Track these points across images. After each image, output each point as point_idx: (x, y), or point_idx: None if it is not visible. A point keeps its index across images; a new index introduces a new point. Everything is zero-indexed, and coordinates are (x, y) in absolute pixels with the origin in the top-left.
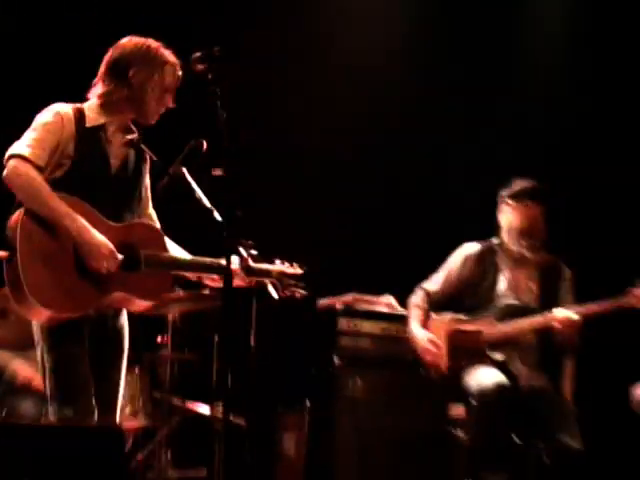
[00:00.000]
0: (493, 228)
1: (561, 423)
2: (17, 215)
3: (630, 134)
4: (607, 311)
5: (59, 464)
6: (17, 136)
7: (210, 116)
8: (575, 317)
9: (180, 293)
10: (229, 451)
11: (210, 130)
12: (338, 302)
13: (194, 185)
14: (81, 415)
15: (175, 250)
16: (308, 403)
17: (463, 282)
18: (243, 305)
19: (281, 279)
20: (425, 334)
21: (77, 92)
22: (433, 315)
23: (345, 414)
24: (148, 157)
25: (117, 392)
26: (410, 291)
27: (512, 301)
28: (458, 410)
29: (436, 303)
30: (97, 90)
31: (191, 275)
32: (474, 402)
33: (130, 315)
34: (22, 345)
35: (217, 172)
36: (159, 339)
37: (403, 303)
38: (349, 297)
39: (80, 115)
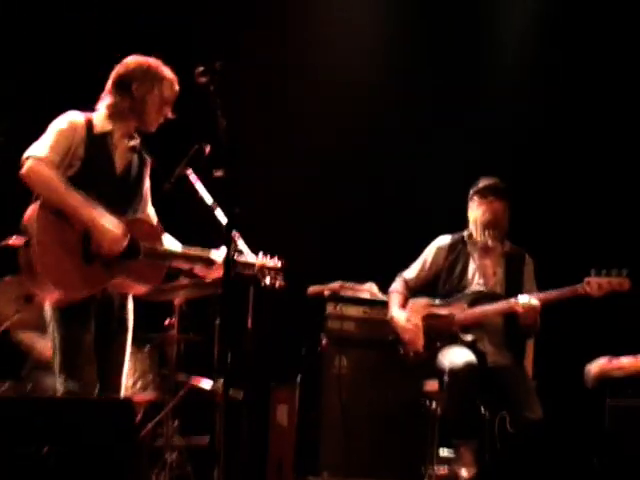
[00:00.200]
0: (463, 222)
1: (523, 396)
2: (33, 208)
3: (594, 133)
4: (565, 298)
5: (76, 433)
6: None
7: (212, 123)
8: (536, 303)
9: (186, 281)
10: (229, 421)
11: (212, 135)
12: (326, 289)
13: (198, 184)
14: (84, 388)
15: (170, 243)
16: (299, 379)
17: (437, 270)
18: (241, 292)
19: (263, 271)
20: (404, 315)
21: (85, 100)
22: (410, 300)
23: (331, 389)
24: (149, 161)
25: (121, 367)
26: (390, 279)
27: (480, 287)
28: (432, 385)
29: (413, 289)
30: (104, 102)
31: (183, 265)
32: (446, 378)
33: (141, 301)
34: (46, 326)
35: (218, 173)
36: (167, 322)
37: (384, 290)
38: (336, 284)
39: (90, 123)
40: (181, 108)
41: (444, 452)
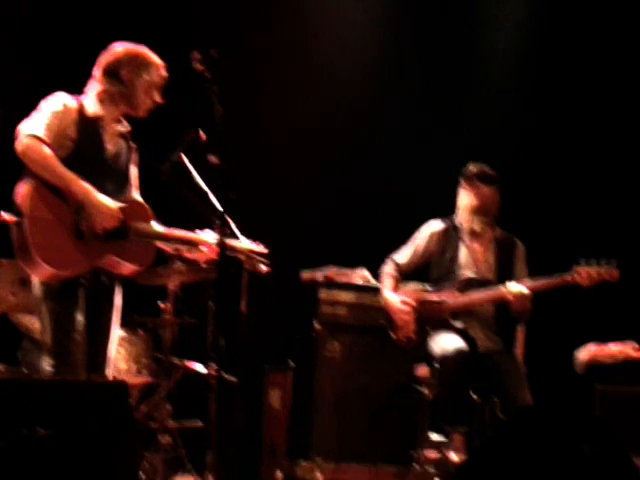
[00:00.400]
0: (453, 207)
1: (513, 382)
2: (25, 185)
3: (585, 122)
4: (554, 286)
5: (70, 415)
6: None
7: (207, 110)
8: (525, 291)
9: (180, 266)
10: (222, 405)
11: (207, 122)
12: (319, 275)
13: (193, 170)
14: (71, 367)
15: (158, 227)
16: (292, 363)
17: (428, 255)
18: (235, 276)
19: (249, 255)
20: (397, 297)
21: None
22: (401, 285)
23: (324, 373)
24: (135, 149)
25: (107, 346)
26: (382, 264)
27: (471, 273)
28: (423, 370)
29: (404, 274)
30: (93, 88)
31: (170, 248)
32: (437, 365)
33: (136, 285)
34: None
35: (213, 159)
36: (161, 306)
37: (376, 275)
38: (328, 270)
39: (81, 106)
40: (177, 95)
41: (435, 437)
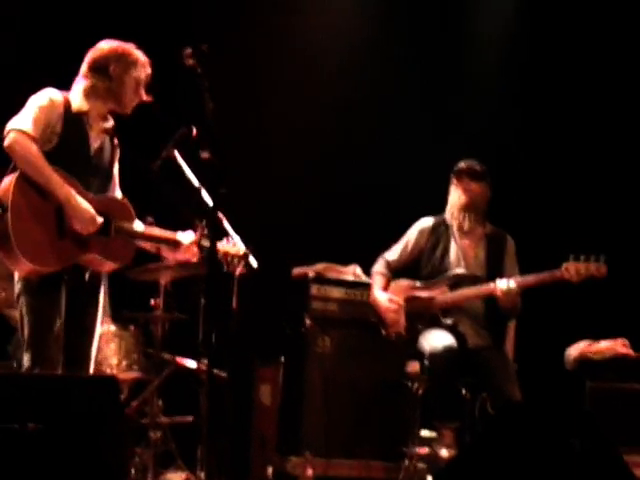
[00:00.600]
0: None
1: (503, 378)
2: (10, 180)
3: (574, 119)
4: (543, 283)
5: (61, 410)
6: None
7: (199, 105)
8: (514, 288)
9: (172, 262)
10: (213, 400)
11: (199, 118)
12: (310, 271)
13: (184, 166)
14: (48, 362)
15: (139, 226)
16: (282, 358)
17: (418, 252)
18: (226, 272)
19: (226, 257)
20: (386, 295)
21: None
22: (392, 282)
23: (315, 368)
24: (118, 146)
25: (90, 342)
26: (374, 261)
27: (461, 270)
28: (414, 366)
29: (395, 271)
30: (80, 84)
31: (150, 247)
32: (426, 362)
33: (127, 281)
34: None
35: (205, 155)
36: (152, 302)
37: (368, 272)
38: (320, 266)
39: (67, 101)
40: (168, 91)
41: (425, 433)
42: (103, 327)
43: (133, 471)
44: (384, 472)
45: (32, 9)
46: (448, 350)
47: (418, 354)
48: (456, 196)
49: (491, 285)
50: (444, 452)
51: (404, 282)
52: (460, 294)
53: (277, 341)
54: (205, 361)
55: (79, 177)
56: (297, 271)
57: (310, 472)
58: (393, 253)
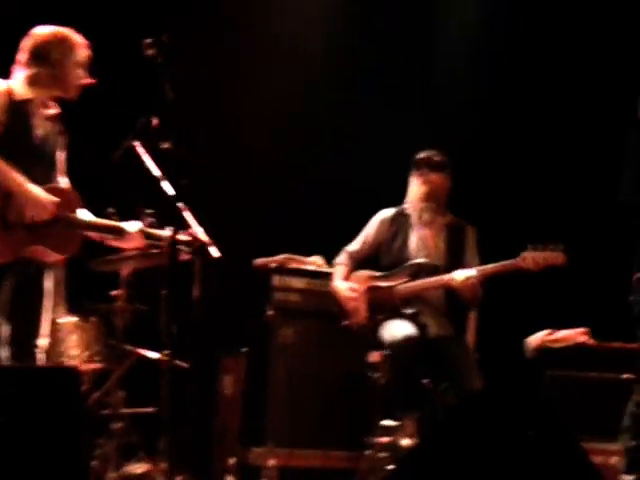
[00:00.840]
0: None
1: (464, 367)
2: None
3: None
4: (502, 272)
5: (20, 402)
6: None
7: (159, 96)
8: (472, 279)
9: (132, 252)
10: (175, 391)
11: (159, 108)
12: (272, 261)
13: (145, 157)
14: None
15: (85, 215)
16: (245, 349)
17: (378, 243)
18: (188, 263)
19: (173, 244)
20: (346, 285)
21: None
22: (354, 273)
23: (277, 359)
24: (64, 133)
25: (36, 333)
26: (336, 252)
27: (422, 260)
28: (376, 357)
29: (357, 262)
30: (21, 72)
31: (95, 236)
32: (387, 352)
33: (87, 271)
34: None
35: (166, 145)
36: (114, 292)
37: (331, 264)
38: (282, 257)
39: (9, 89)
40: (127, 80)
41: (387, 423)
42: (64, 319)
43: (95, 463)
44: (347, 461)
45: None
46: (409, 340)
47: (380, 344)
48: (415, 187)
49: (447, 277)
50: (405, 441)
51: (365, 272)
52: (420, 284)
53: (240, 332)
54: (167, 352)
55: (23, 167)
56: (259, 262)
57: (273, 462)
58: (354, 244)
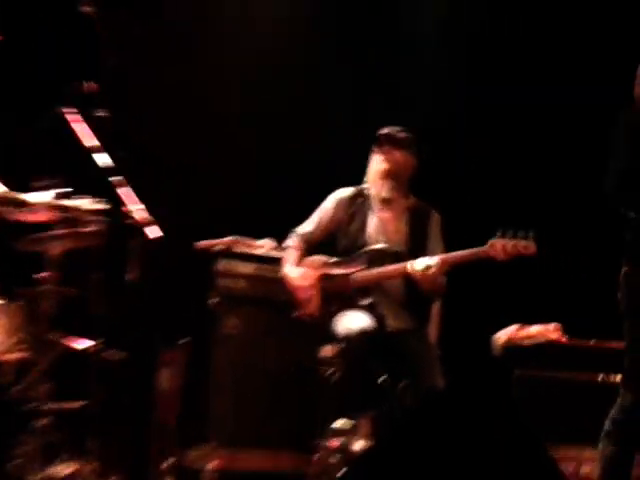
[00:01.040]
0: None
1: (425, 364)
2: None
3: (507, 91)
4: (467, 260)
5: None
6: None
7: (96, 58)
8: (434, 267)
9: (62, 231)
10: (107, 385)
11: (96, 71)
12: (217, 244)
13: (76, 126)
14: None
15: None
16: (186, 340)
17: (334, 225)
18: (124, 244)
19: (81, 214)
20: (298, 272)
21: None
22: (306, 258)
23: (221, 351)
24: None
25: None
26: (288, 235)
27: (381, 245)
28: (328, 351)
29: (310, 246)
30: None
31: None
32: (341, 346)
33: (12, 252)
34: None
35: (101, 114)
36: (41, 275)
37: (281, 247)
38: (228, 239)
39: None
40: (62, 41)
41: (340, 423)
42: None
43: (15, 463)
44: (295, 464)
45: None
46: (365, 333)
47: (333, 337)
48: (377, 164)
49: (405, 265)
50: (359, 444)
51: (318, 258)
52: (378, 272)
53: (180, 320)
54: (99, 341)
55: None
56: (202, 244)
57: (214, 464)
58: (307, 226)
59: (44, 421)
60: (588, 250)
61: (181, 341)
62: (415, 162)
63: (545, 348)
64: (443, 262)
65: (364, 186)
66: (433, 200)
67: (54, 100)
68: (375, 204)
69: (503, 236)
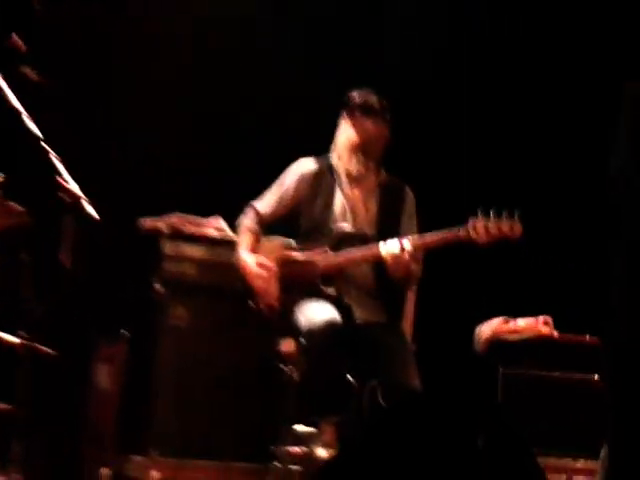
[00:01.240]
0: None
1: (398, 361)
2: None
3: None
4: (444, 243)
5: None
6: None
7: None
8: (407, 251)
9: None
10: (36, 384)
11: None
12: (162, 223)
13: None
14: None
15: None
16: (126, 333)
17: (296, 202)
18: (57, 223)
19: None
20: (254, 258)
21: None
22: (263, 240)
23: (167, 346)
24: None
25: None
26: (241, 213)
27: (348, 226)
28: (288, 346)
29: (267, 225)
30: None
31: None
32: (303, 340)
33: None
34: None
35: (30, 73)
36: None
37: (234, 226)
38: (175, 218)
39: None
40: None
41: (301, 428)
42: None
43: None
44: (249, 475)
45: None
46: (330, 325)
47: (294, 330)
48: (346, 135)
49: (374, 247)
50: (321, 452)
51: (278, 241)
52: (345, 257)
53: (120, 311)
54: (27, 335)
55: None
56: (145, 223)
57: (156, 475)
58: (265, 203)
59: None
60: (581, 231)
61: (121, 334)
62: (389, 132)
63: (534, 344)
64: (417, 245)
65: (330, 156)
66: (407, 176)
67: None
68: (343, 180)
69: (485, 216)
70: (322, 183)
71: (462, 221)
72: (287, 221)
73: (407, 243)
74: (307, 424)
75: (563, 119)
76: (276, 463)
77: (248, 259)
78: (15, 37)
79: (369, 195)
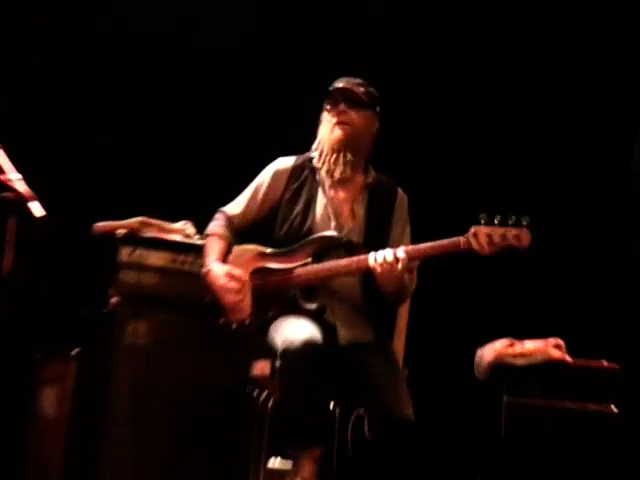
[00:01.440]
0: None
1: (387, 386)
2: None
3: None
4: (443, 253)
5: None
6: None
7: None
8: (399, 262)
9: None
10: None
11: None
12: (121, 226)
13: None
14: None
15: None
16: (76, 351)
17: (271, 202)
18: None
19: None
20: (224, 268)
21: None
22: (235, 248)
23: (122, 365)
24: None
25: None
26: (212, 216)
27: (331, 232)
28: (262, 368)
29: (240, 231)
30: None
31: None
32: (279, 361)
33: None
34: None
35: None
36: None
37: (203, 232)
38: (135, 221)
39: None
40: None
41: (276, 462)
42: None
43: None
44: None
45: None
46: (309, 344)
47: (268, 351)
48: (328, 128)
49: (361, 257)
50: None
51: (251, 248)
52: (328, 267)
53: (70, 325)
54: None
55: None
56: (101, 226)
57: None
58: (237, 206)
59: None
60: (598, 241)
61: (70, 353)
62: (378, 126)
63: (543, 369)
64: (411, 255)
65: (311, 155)
66: (399, 175)
67: None
68: (325, 180)
69: (489, 222)
70: (301, 184)
71: (462, 228)
72: (263, 226)
73: (401, 252)
74: (282, 458)
75: (578, 115)
76: None
77: (217, 269)
78: None
79: (355, 197)
